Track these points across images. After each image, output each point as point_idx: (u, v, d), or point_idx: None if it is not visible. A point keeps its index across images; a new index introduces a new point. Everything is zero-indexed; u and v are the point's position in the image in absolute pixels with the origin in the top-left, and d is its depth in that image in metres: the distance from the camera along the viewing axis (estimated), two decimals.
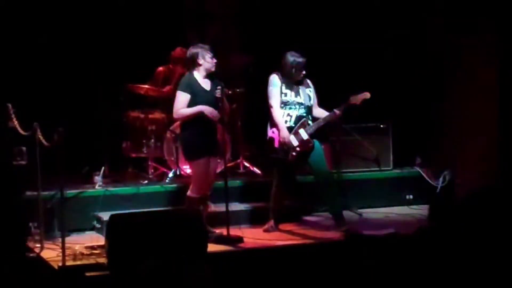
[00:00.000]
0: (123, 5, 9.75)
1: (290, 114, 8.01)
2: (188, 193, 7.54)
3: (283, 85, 8.01)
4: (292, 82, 8.03)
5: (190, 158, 7.58)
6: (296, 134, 7.98)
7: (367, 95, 8.03)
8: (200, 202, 7.56)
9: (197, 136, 7.49)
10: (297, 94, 8.04)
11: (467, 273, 4.28)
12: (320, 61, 8.40)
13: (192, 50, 7.53)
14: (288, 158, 7.99)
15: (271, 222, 8.17)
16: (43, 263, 6.90)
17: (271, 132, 8.06)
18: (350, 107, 8.03)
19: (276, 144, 8.00)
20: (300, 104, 8.04)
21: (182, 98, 7.41)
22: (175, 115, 7.51)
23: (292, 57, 8.00)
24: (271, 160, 8.15)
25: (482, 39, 8.83)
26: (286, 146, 7.95)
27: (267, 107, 8.04)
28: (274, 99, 7.99)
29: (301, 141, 7.97)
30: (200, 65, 7.48)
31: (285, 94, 8.01)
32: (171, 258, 6.20)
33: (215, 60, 7.56)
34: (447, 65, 9.27)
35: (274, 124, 8.01)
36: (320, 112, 8.13)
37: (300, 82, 8.08)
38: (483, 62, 8.85)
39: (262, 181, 9.24)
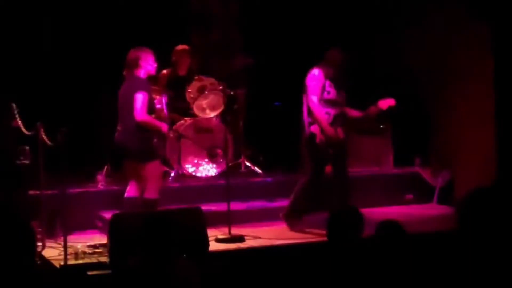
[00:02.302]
0: (127, 6, 9.78)
1: (330, 112, 7.97)
2: (149, 196, 7.49)
3: (327, 82, 7.97)
4: (335, 79, 7.98)
5: (148, 159, 7.47)
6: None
7: (392, 101, 8.06)
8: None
9: (151, 138, 7.53)
10: (338, 92, 8.01)
11: (467, 273, 4.30)
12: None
13: (135, 52, 7.49)
14: (326, 155, 8.02)
15: (299, 221, 8.13)
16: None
17: (313, 128, 7.97)
18: (378, 112, 8.11)
19: (317, 140, 8.03)
20: (339, 103, 8.04)
21: (145, 100, 7.36)
22: (140, 117, 7.31)
23: (341, 53, 7.99)
24: (312, 157, 8.04)
25: (478, 39, 8.87)
26: (327, 143, 7.96)
27: (304, 102, 7.98)
28: (316, 95, 7.92)
29: (339, 140, 8.03)
30: (141, 67, 7.46)
31: (328, 92, 7.96)
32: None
33: (156, 64, 7.59)
34: (446, 65, 9.30)
35: (314, 120, 7.95)
36: (348, 110, 8.16)
37: (339, 80, 8.04)
38: (481, 61, 8.88)
39: (264, 180, 9.30)
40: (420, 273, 4.55)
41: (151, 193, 7.51)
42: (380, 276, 4.61)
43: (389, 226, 4.82)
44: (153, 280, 5.15)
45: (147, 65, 7.49)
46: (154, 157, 7.54)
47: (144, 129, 7.41)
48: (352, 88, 9.55)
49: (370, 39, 9.96)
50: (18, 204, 7.80)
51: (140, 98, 7.32)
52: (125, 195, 7.57)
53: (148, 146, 7.51)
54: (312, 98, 7.91)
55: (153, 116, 7.56)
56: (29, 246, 3.74)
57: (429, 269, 4.52)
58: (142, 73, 7.48)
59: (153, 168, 7.51)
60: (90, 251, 7.08)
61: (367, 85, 9.54)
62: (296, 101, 8.30)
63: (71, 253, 6.88)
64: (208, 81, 9.50)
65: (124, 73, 7.57)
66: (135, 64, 7.46)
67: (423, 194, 9.42)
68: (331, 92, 7.98)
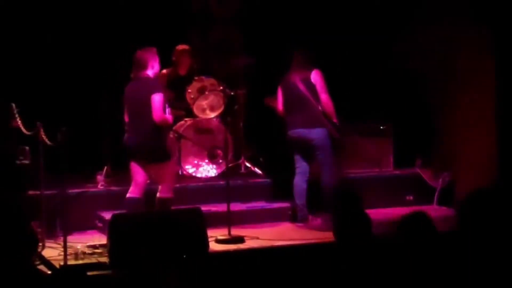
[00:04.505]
0: (126, 6, 9.78)
1: None
2: (164, 195, 7.53)
3: None
4: None
5: (167, 158, 7.61)
6: None
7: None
8: None
9: (166, 138, 7.70)
10: None
11: (467, 273, 4.30)
12: (322, 62, 8.43)
13: (144, 53, 7.58)
14: None
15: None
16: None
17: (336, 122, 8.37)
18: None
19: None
20: None
21: (162, 100, 7.46)
22: (160, 118, 7.42)
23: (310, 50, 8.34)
24: (332, 149, 8.37)
25: (481, 40, 8.86)
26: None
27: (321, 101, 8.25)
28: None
29: None
30: (150, 67, 7.54)
31: None
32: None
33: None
34: (447, 66, 9.30)
35: (330, 116, 8.28)
36: None
37: None
38: (482, 62, 8.87)
39: (264, 181, 9.29)
40: (420, 273, 4.54)
41: (166, 193, 7.56)
42: (383, 276, 4.60)
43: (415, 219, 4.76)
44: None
45: (156, 66, 7.59)
46: (170, 156, 7.68)
47: (160, 129, 7.49)
48: (352, 88, 9.59)
49: (370, 41, 9.95)
50: (18, 204, 7.81)
51: (158, 99, 7.41)
52: (127, 195, 7.58)
53: (165, 146, 7.63)
54: (327, 96, 8.25)
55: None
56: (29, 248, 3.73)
57: (429, 269, 4.51)
58: (151, 73, 7.55)
59: (170, 168, 7.63)
60: (89, 251, 7.09)
61: (368, 86, 9.54)
62: None
63: (71, 253, 6.89)
64: (208, 81, 9.50)
65: (132, 74, 7.60)
66: (145, 65, 7.51)
67: (424, 195, 9.41)
68: None
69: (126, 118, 7.73)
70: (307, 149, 8.36)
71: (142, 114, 7.46)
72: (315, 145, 8.27)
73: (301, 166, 8.44)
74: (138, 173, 7.58)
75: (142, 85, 7.51)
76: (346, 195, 8.25)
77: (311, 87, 8.24)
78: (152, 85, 7.47)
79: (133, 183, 7.61)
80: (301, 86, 8.23)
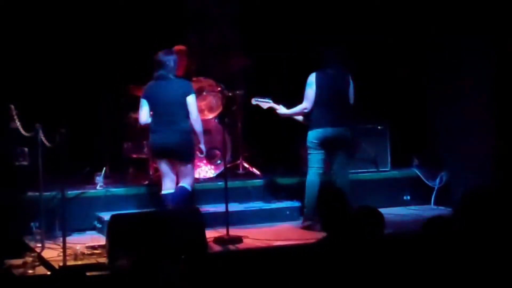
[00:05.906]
0: (124, 7, 9.80)
1: None
2: (187, 187, 7.68)
3: None
4: None
5: (194, 158, 7.84)
6: None
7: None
8: None
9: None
10: None
11: (466, 274, 4.33)
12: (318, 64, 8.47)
13: (172, 54, 7.75)
14: None
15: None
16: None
17: None
18: None
19: None
20: None
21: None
22: (199, 118, 7.70)
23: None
24: None
25: (479, 39, 8.88)
26: None
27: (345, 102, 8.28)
28: None
29: None
30: (177, 69, 7.75)
31: None
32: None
33: None
34: (445, 65, 9.32)
35: None
36: None
37: None
38: (480, 62, 8.90)
39: (262, 181, 9.30)
40: (419, 274, 4.57)
41: (189, 186, 7.70)
42: (385, 276, 4.63)
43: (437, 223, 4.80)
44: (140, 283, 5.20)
45: (177, 67, 7.77)
46: (195, 156, 7.90)
47: (191, 130, 7.66)
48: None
49: (367, 41, 9.98)
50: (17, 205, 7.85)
51: (195, 99, 7.65)
52: (164, 192, 7.74)
53: (194, 147, 7.79)
54: None
55: None
56: None
57: (427, 269, 4.54)
58: (175, 74, 7.72)
59: (193, 166, 7.89)
60: (89, 252, 7.11)
61: (365, 86, 9.55)
62: (294, 102, 8.35)
63: (70, 254, 6.91)
64: (206, 82, 9.52)
65: (157, 74, 7.68)
66: (174, 66, 7.67)
67: (421, 195, 9.44)
68: None
69: (143, 117, 7.75)
70: (335, 149, 8.19)
71: (177, 114, 7.59)
72: (349, 145, 8.27)
73: (323, 167, 8.20)
74: (172, 170, 7.71)
75: (174, 86, 7.64)
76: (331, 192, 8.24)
77: (348, 87, 8.24)
78: (187, 86, 7.66)
79: (167, 180, 7.74)
80: (346, 85, 8.22)
